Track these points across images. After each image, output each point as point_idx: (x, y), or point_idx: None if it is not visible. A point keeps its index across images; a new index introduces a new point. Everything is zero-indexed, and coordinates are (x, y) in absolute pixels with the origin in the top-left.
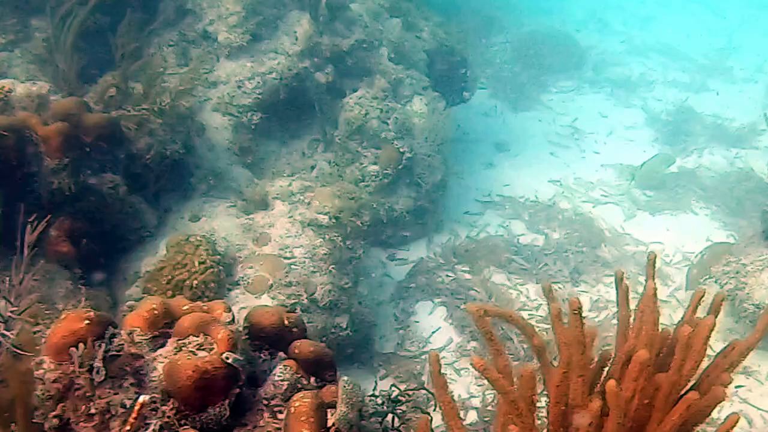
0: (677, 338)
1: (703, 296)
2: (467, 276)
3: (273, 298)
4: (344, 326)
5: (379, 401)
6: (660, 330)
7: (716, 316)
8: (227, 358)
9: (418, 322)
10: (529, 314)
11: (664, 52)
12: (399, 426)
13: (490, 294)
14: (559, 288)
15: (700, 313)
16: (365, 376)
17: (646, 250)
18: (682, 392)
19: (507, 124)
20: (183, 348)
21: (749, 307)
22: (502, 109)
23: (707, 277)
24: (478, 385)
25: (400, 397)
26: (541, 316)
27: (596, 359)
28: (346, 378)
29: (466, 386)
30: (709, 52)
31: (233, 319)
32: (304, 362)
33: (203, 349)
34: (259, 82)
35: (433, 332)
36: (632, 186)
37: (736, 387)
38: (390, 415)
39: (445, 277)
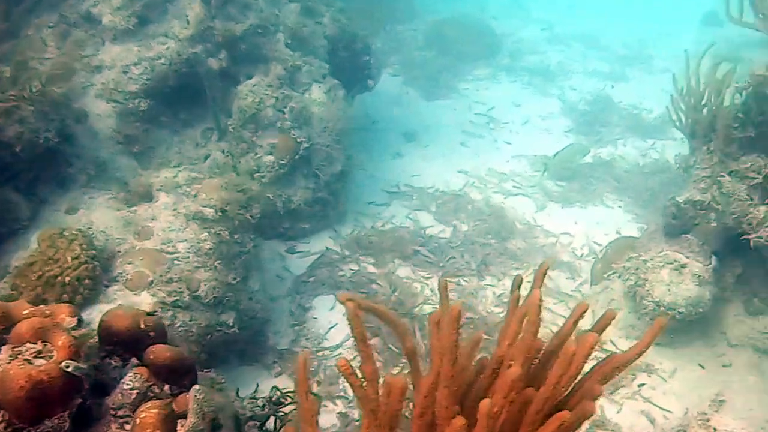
0: (557, 352)
1: (584, 312)
2: (371, 269)
3: (153, 295)
4: (231, 323)
5: (260, 404)
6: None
7: (601, 333)
8: (67, 367)
9: (316, 318)
10: (432, 308)
11: (584, 40)
12: (280, 429)
13: (394, 287)
14: (465, 282)
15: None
16: (258, 373)
17: (555, 242)
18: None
19: (419, 112)
20: (18, 356)
21: (649, 304)
22: (416, 97)
23: (611, 272)
24: None
25: (282, 399)
26: None
27: (473, 366)
28: (198, 387)
29: None
30: (629, 41)
31: (79, 324)
32: (159, 368)
33: (42, 357)
34: (146, 68)
35: (330, 328)
36: (545, 177)
37: (639, 385)
38: (271, 418)
39: (348, 270)
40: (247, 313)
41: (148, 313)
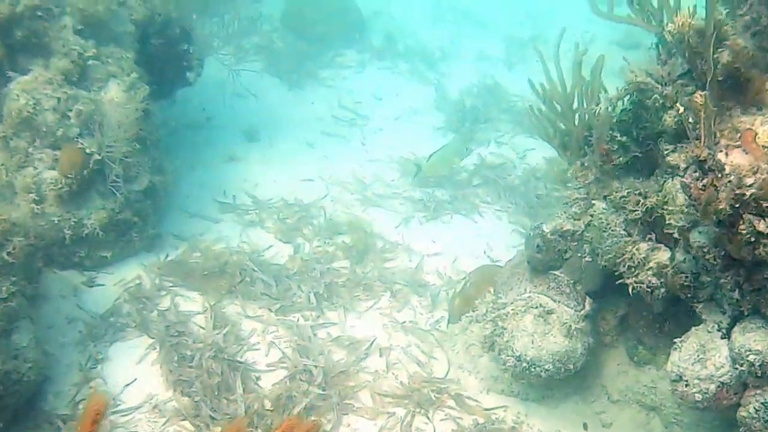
0: None
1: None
2: (190, 304)
3: None
4: None
5: None
6: None
7: None
8: None
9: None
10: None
11: (471, 18)
12: None
13: (217, 328)
14: (302, 319)
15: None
16: None
17: (419, 263)
18: None
19: (270, 106)
20: None
21: (509, 358)
22: (272, 87)
23: (471, 311)
24: None
25: None
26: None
27: None
28: None
29: None
30: (525, 20)
31: None
32: None
33: None
34: None
35: (127, 385)
36: (414, 183)
37: None
38: None
39: (159, 308)
40: (10, 376)
41: None
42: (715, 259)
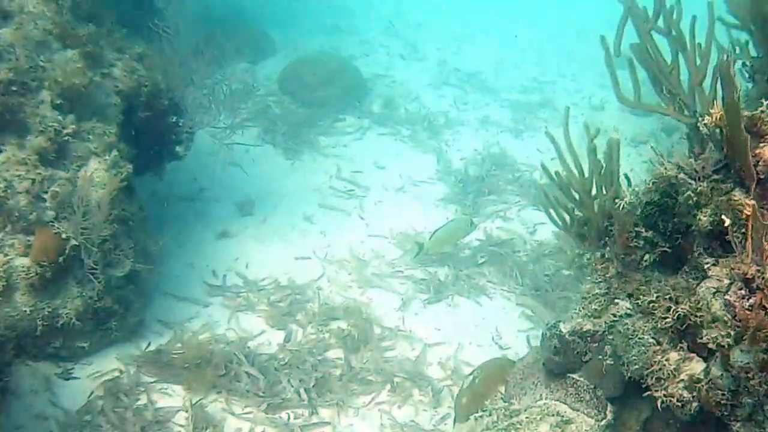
0: None
1: None
2: (171, 400)
3: None
4: None
5: None
6: None
7: None
8: None
9: None
10: None
11: (473, 82)
12: None
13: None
14: (292, 418)
15: None
16: None
17: (420, 353)
18: None
19: (266, 176)
20: None
21: None
22: (270, 155)
23: (480, 411)
24: None
25: None
26: None
27: None
28: None
29: None
30: (530, 84)
31: None
32: None
33: None
34: None
35: None
36: (416, 262)
37: None
38: None
39: (137, 404)
40: None
41: None
42: (761, 385)
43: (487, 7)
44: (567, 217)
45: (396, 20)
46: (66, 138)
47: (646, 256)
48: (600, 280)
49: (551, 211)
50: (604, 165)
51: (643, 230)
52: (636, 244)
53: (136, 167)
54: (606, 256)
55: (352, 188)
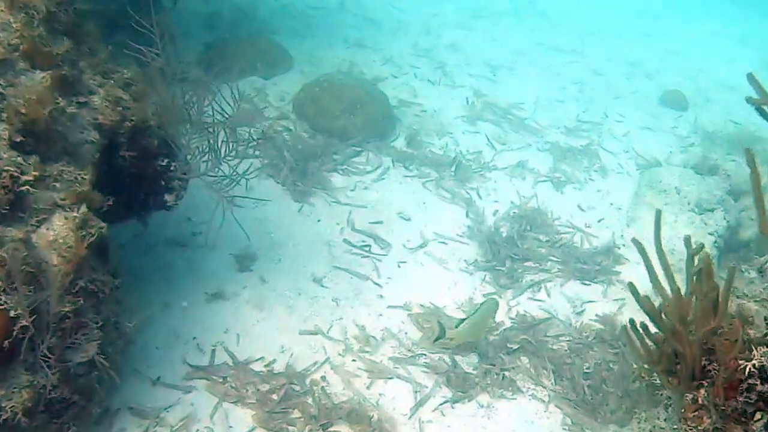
0: None
1: None
2: None
3: None
4: None
5: None
6: None
7: None
8: None
9: None
10: None
11: (509, 117)
12: None
13: None
14: None
15: None
16: None
17: None
18: None
19: (270, 221)
20: None
21: None
22: (278, 195)
23: None
24: None
25: None
26: None
27: None
28: None
29: None
30: (571, 124)
31: None
32: None
33: None
34: None
35: None
36: (438, 346)
37: None
38: None
39: None
40: None
41: None
42: None
43: (526, 33)
44: (654, 349)
45: (426, 38)
46: (25, 187)
47: (759, 415)
48: (690, 430)
49: (632, 335)
50: (700, 283)
51: (758, 383)
52: (747, 399)
53: (114, 213)
54: (699, 401)
55: (369, 244)
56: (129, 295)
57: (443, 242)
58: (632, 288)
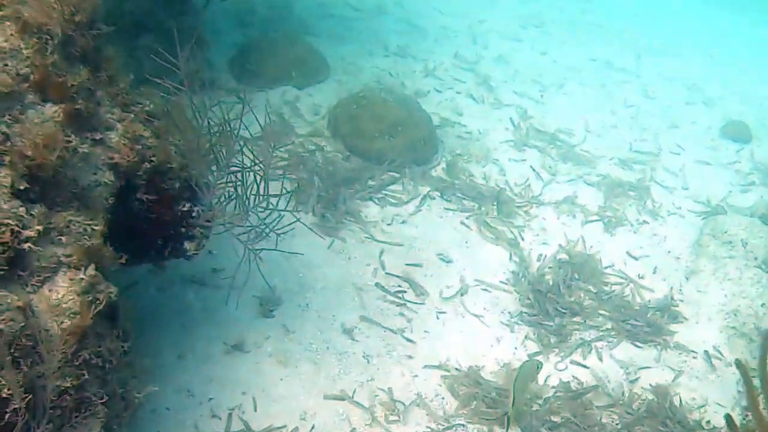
0: None
1: None
2: None
3: None
4: None
5: None
6: None
7: None
8: None
9: None
10: None
11: (558, 144)
12: None
13: None
14: None
15: None
16: None
17: None
18: None
19: (297, 258)
20: None
21: None
22: (305, 228)
23: None
24: None
25: None
26: None
27: None
28: None
29: None
30: (625, 154)
31: None
32: None
33: None
34: None
35: None
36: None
37: None
38: None
39: None
40: None
41: None
42: None
43: (578, 47)
44: None
45: (472, 48)
46: (26, 245)
47: None
48: None
49: None
50: None
51: None
52: None
53: (127, 258)
54: None
55: (404, 290)
56: (141, 343)
57: (486, 289)
58: (728, 420)
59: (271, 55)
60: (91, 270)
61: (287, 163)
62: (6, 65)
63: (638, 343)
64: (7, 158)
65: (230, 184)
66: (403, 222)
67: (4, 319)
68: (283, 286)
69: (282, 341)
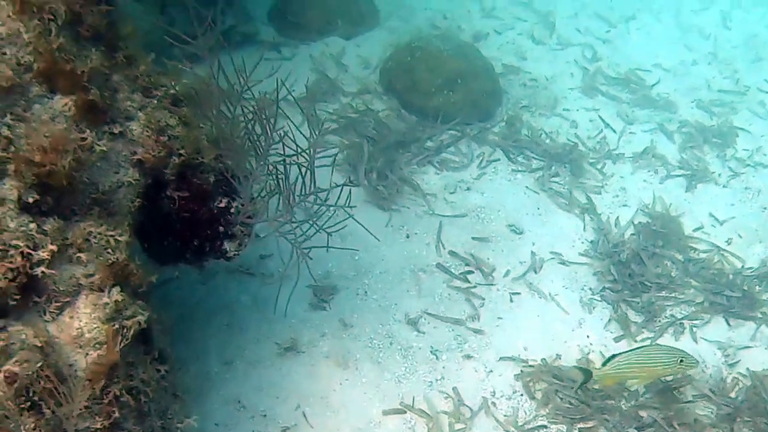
0: None
1: None
2: None
3: None
4: None
5: None
6: None
7: None
8: None
9: None
10: None
11: (632, 88)
12: None
13: None
14: None
15: None
16: None
17: None
18: None
19: (350, 237)
20: None
21: None
22: (360, 198)
23: None
24: None
25: None
26: None
27: None
28: None
29: None
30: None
31: None
32: None
33: None
34: None
35: None
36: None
37: None
38: None
39: None
40: None
41: None
42: None
43: None
44: None
45: None
46: (39, 269)
47: None
48: None
49: None
50: None
51: None
52: None
53: (162, 260)
54: None
55: (471, 270)
56: (182, 348)
57: (562, 263)
58: None
59: (314, 2)
60: (116, 294)
61: (336, 127)
62: (5, 54)
63: (734, 319)
64: (11, 167)
65: (272, 176)
66: (468, 189)
67: (18, 361)
68: (338, 271)
69: (339, 338)
